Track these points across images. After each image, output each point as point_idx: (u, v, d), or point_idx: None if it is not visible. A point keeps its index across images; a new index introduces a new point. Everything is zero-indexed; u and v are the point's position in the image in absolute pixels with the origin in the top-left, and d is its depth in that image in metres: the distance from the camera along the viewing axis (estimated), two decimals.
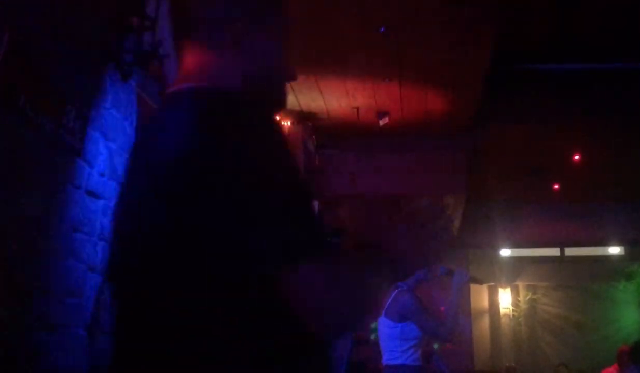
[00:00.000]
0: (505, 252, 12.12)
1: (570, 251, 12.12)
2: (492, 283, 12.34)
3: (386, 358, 3.53)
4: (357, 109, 6.85)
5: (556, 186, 9.79)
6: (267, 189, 0.96)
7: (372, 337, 8.59)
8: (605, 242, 11.64)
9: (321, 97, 6.56)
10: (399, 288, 3.55)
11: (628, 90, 6.69)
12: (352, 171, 8.12)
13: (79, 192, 3.00)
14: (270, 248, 0.94)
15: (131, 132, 3.60)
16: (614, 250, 11.82)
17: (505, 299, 12.36)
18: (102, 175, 3.22)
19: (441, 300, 3.90)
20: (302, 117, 7.08)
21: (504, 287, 12.37)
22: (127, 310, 1.08)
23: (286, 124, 7.12)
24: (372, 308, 1.36)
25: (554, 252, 12.20)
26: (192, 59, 1.19)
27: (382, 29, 5.18)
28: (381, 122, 6.89)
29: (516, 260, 12.23)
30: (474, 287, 11.93)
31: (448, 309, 3.51)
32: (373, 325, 8.91)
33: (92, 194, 3.13)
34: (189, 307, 0.97)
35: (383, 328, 3.56)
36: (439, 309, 3.75)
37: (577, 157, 8.59)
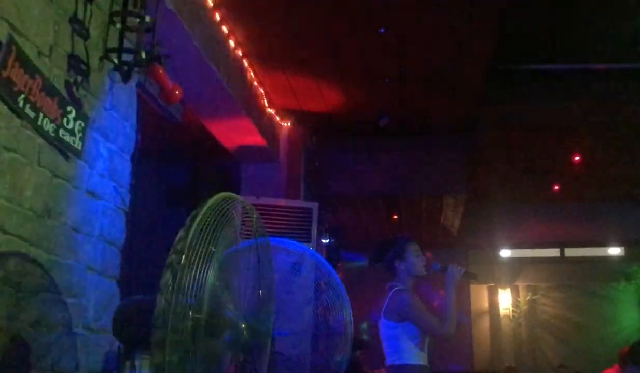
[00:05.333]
0: (505, 253, 12.12)
1: (570, 251, 12.12)
2: (492, 284, 12.35)
3: (391, 359, 3.48)
4: (357, 109, 6.86)
5: (556, 186, 9.80)
6: None
7: (365, 337, 8.59)
8: (605, 242, 11.64)
9: (321, 97, 6.56)
10: (395, 288, 3.52)
11: (628, 90, 6.69)
12: (352, 171, 8.13)
13: (79, 192, 3.00)
14: None
15: (131, 133, 3.60)
16: (614, 250, 11.82)
17: (505, 300, 12.36)
18: (102, 176, 3.22)
19: (437, 297, 3.88)
20: (302, 117, 7.09)
21: (504, 287, 12.38)
22: None
23: (286, 124, 7.13)
24: None
25: (554, 252, 12.21)
26: None
27: (382, 30, 5.19)
28: (381, 123, 6.89)
29: (516, 261, 12.23)
30: (474, 288, 11.94)
31: (444, 305, 3.48)
32: (364, 326, 8.91)
33: (92, 195, 3.13)
34: None
35: (384, 329, 3.53)
36: (435, 305, 3.72)
37: (577, 157, 8.60)
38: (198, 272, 2.12)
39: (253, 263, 2.55)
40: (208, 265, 2.34)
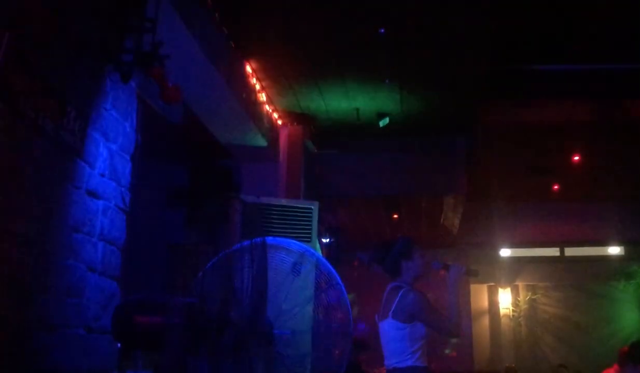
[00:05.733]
0: (505, 252, 12.12)
1: (570, 251, 12.12)
2: (492, 284, 12.35)
3: (394, 362, 3.46)
4: (357, 109, 6.86)
5: (556, 186, 9.79)
6: None
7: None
8: (605, 242, 11.63)
9: (321, 97, 6.56)
10: (403, 288, 3.50)
11: (628, 90, 6.69)
12: (352, 171, 8.13)
13: (79, 192, 3.00)
14: None
15: (131, 132, 3.60)
16: (614, 250, 11.82)
17: (505, 299, 12.36)
18: (102, 175, 3.23)
19: (439, 295, 3.89)
20: (302, 117, 7.09)
21: (504, 287, 12.38)
22: None
23: (286, 124, 7.13)
24: None
25: (554, 252, 12.20)
26: None
27: (382, 30, 5.18)
28: (381, 123, 6.89)
29: (516, 260, 12.23)
30: (474, 287, 11.94)
31: (448, 304, 3.48)
32: None
33: (92, 194, 3.13)
34: None
35: (390, 330, 3.50)
36: (440, 305, 3.73)
37: (577, 157, 8.59)
38: (203, 272, 2.13)
39: (248, 263, 2.56)
40: (211, 265, 2.35)
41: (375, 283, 3.82)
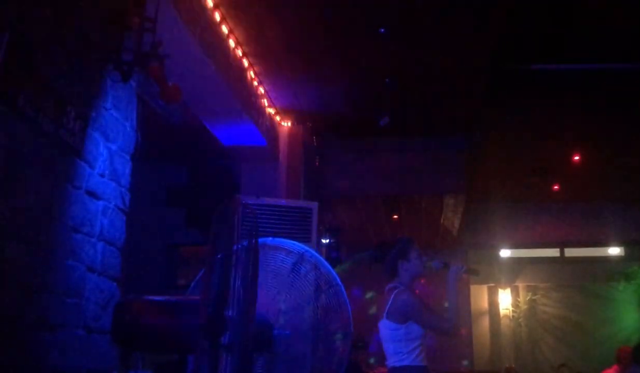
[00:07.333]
0: (505, 252, 12.11)
1: (570, 251, 12.12)
2: (492, 284, 12.35)
3: (392, 361, 3.49)
4: (358, 108, 6.85)
5: (556, 186, 9.79)
6: None
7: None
8: (605, 242, 11.63)
9: (321, 97, 6.56)
10: (397, 289, 3.53)
11: (628, 90, 6.69)
12: (352, 171, 8.12)
13: (79, 192, 3.00)
14: None
15: (131, 132, 3.60)
16: (614, 250, 11.82)
17: (505, 300, 12.36)
18: (102, 175, 3.22)
19: (440, 295, 3.89)
20: (302, 117, 7.09)
21: (504, 287, 12.38)
22: None
23: (286, 124, 7.13)
24: None
25: (554, 252, 12.20)
26: None
27: (382, 30, 5.18)
28: (381, 123, 6.88)
29: (516, 261, 12.23)
30: (474, 288, 11.94)
31: (447, 303, 3.50)
32: None
33: (92, 195, 3.13)
34: None
35: (386, 331, 3.53)
36: (438, 304, 3.74)
37: (577, 157, 8.59)
38: (202, 272, 2.13)
39: (246, 263, 2.56)
40: (211, 265, 2.35)
41: None
